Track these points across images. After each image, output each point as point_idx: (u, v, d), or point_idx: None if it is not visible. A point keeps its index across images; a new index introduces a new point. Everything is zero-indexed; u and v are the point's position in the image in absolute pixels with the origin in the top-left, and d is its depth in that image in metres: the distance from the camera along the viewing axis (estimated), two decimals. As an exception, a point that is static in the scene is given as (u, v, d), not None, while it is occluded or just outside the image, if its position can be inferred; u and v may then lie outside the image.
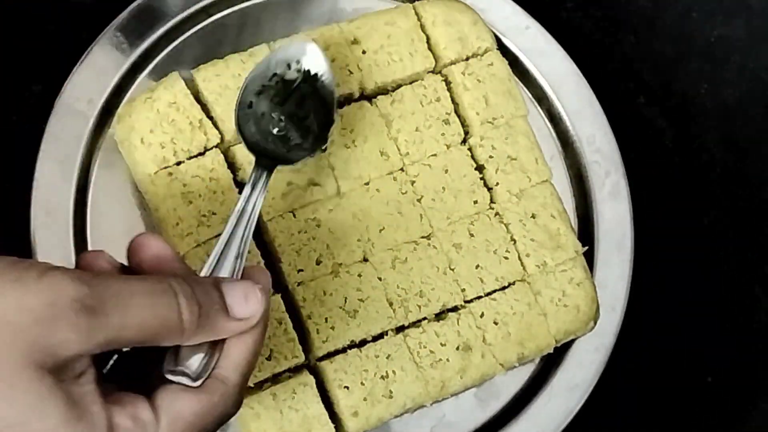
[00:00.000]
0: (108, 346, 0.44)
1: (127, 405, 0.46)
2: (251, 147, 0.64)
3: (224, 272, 0.54)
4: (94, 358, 0.45)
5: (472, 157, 0.75)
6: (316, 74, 0.66)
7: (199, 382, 0.49)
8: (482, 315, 0.72)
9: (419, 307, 0.71)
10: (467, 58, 0.76)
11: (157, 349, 0.48)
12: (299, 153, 0.65)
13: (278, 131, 0.65)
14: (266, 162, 0.63)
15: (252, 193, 0.60)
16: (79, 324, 0.43)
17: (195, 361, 0.49)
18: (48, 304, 0.42)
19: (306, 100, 0.66)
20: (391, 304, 0.71)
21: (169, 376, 0.49)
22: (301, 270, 0.70)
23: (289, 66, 0.66)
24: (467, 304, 0.72)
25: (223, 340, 0.50)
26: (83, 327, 0.43)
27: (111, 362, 0.48)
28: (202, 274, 0.54)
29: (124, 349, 0.49)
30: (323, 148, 0.66)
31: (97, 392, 0.44)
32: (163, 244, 0.51)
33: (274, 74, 0.66)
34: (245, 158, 0.71)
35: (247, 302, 0.50)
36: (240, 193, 0.70)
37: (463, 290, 0.72)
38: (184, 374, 0.49)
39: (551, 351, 0.74)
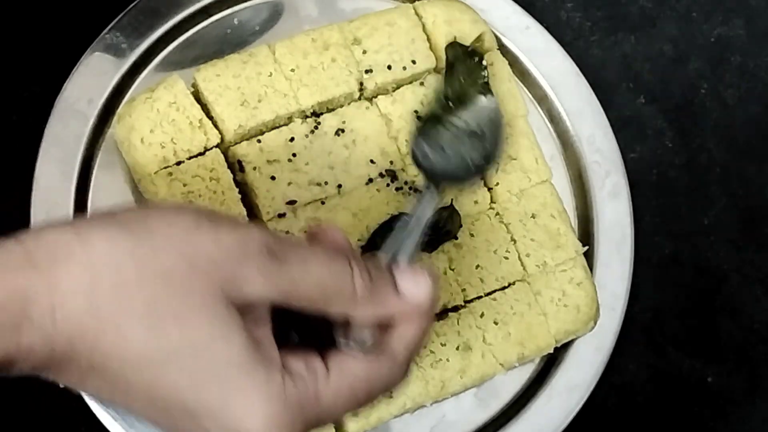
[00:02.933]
0: (288, 296, 0.46)
1: (299, 354, 0.47)
2: (421, 168, 0.61)
3: (401, 257, 0.53)
4: (272, 314, 0.46)
5: (472, 157, 0.75)
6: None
7: (369, 355, 0.49)
8: (482, 315, 0.72)
9: (419, 307, 0.71)
10: (467, 58, 0.76)
11: (325, 329, 0.49)
12: (468, 175, 0.63)
13: (450, 156, 0.62)
14: (436, 181, 0.59)
15: (424, 201, 0.57)
16: (265, 266, 0.45)
17: (366, 335, 0.49)
18: (241, 244, 0.45)
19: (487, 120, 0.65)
20: (391, 304, 0.71)
21: (341, 348, 0.49)
22: (301, 270, 0.70)
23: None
24: (467, 304, 0.72)
25: (393, 323, 0.50)
26: (269, 270, 0.45)
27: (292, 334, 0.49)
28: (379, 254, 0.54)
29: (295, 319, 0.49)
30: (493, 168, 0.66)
31: (273, 339, 0.46)
32: (340, 233, 0.52)
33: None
34: (245, 158, 0.71)
35: (416, 285, 0.50)
36: (240, 193, 0.70)
37: (463, 290, 0.72)
38: (355, 347, 0.49)
39: (551, 351, 0.74)
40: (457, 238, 0.73)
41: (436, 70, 0.76)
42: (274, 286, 0.45)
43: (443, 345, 0.71)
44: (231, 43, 0.77)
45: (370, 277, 0.49)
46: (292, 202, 0.71)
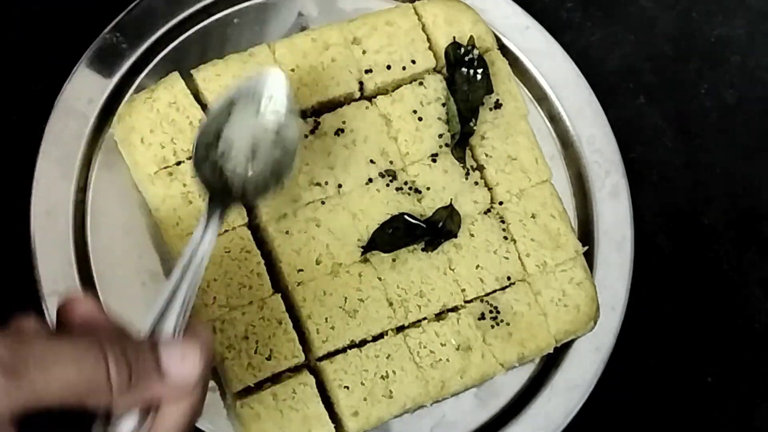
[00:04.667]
0: (32, 404, 0.43)
1: None
2: (207, 185, 0.60)
3: (168, 326, 0.51)
4: (18, 420, 0.44)
5: (473, 156, 0.75)
6: (277, 112, 0.63)
7: None
8: (482, 315, 0.72)
9: (419, 307, 0.71)
10: (467, 58, 0.76)
11: (90, 414, 0.47)
12: (257, 193, 0.62)
13: (236, 170, 0.62)
14: (221, 200, 0.59)
15: (204, 237, 0.56)
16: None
17: (126, 427, 0.48)
18: None
19: (264, 139, 0.63)
20: (391, 304, 0.71)
21: None
22: (301, 270, 0.70)
23: (253, 101, 0.63)
24: (467, 304, 0.72)
25: (158, 404, 0.49)
26: (4, 388, 0.42)
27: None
28: (144, 328, 0.51)
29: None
30: (280, 187, 0.63)
31: None
32: (92, 304, 0.49)
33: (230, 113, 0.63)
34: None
35: (183, 363, 0.48)
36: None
37: (463, 290, 0.72)
38: None
39: (551, 351, 0.74)
40: (457, 238, 0.73)
41: (435, 69, 0.76)
42: (14, 401, 0.43)
43: (443, 345, 0.71)
44: (231, 43, 0.77)
45: (128, 364, 0.46)
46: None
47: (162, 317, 0.51)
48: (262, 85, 0.63)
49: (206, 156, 0.61)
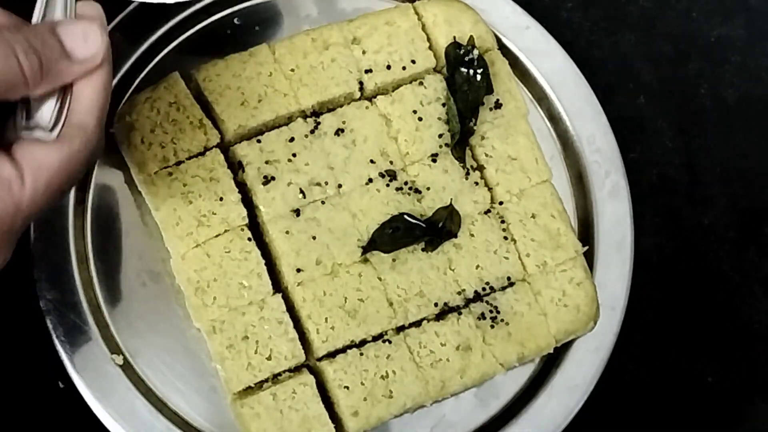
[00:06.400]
0: None
1: None
2: None
3: (57, 13, 0.51)
4: None
5: (473, 156, 0.75)
6: None
7: (55, 133, 0.48)
8: (482, 315, 0.72)
9: (419, 307, 0.71)
10: (467, 58, 0.76)
11: (6, 108, 0.47)
12: None
13: None
14: None
15: None
16: None
17: (46, 112, 0.48)
18: None
19: None
20: (391, 304, 0.71)
21: (24, 134, 0.48)
22: (301, 270, 0.70)
23: None
24: (467, 304, 0.72)
25: (72, 87, 0.49)
26: None
27: None
28: (34, 20, 0.51)
29: None
30: None
31: None
32: None
33: None
34: (245, 158, 0.71)
35: (86, 41, 0.49)
36: (240, 192, 0.70)
37: (463, 290, 0.72)
38: (39, 128, 0.48)
39: (551, 351, 0.74)
40: (457, 238, 0.73)
41: (435, 69, 0.76)
42: None
43: (443, 345, 0.71)
44: (231, 43, 0.77)
45: (37, 52, 0.47)
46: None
47: (48, 6, 0.51)
48: None
49: None
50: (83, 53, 0.49)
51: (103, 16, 0.52)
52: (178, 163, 0.70)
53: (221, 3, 0.78)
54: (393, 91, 0.75)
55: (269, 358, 0.68)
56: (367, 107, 0.74)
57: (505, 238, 0.74)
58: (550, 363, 0.76)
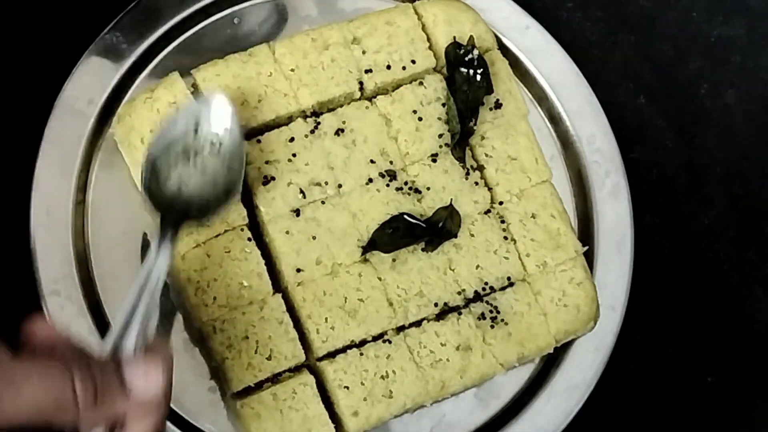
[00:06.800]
0: (2, 426, 0.44)
1: None
2: (157, 205, 0.62)
3: (128, 345, 0.52)
4: None
5: (473, 156, 0.75)
6: (216, 134, 0.65)
7: None
8: (482, 315, 0.72)
9: (419, 307, 0.71)
10: (467, 58, 0.76)
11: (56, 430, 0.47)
12: (207, 211, 0.64)
13: (184, 191, 0.64)
14: (173, 221, 0.61)
15: (158, 257, 0.58)
16: None
17: None
18: None
19: (211, 160, 0.65)
20: (391, 304, 0.71)
21: None
22: (301, 270, 0.70)
23: (196, 127, 0.65)
24: (467, 304, 0.72)
25: (124, 424, 0.49)
26: None
27: None
28: (106, 347, 0.52)
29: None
30: (230, 205, 0.66)
31: None
32: (52, 327, 0.50)
33: (178, 136, 0.64)
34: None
35: (147, 379, 0.49)
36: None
37: (463, 290, 0.72)
38: None
39: (551, 351, 0.74)
40: (457, 238, 0.73)
41: (435, 69, 0.76)
42: None
43: (443, 345, 0.71)
44: (231, 43, 0.77)
45: (93, 382, 0.47)
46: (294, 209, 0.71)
47: (122, 337, 0.52)
48: (207, 107, 0.65)
49: (156, 178, 0.63)
50: (141, 391, 0.49)
51: (170, 357, 0.52)
52: (178, 163, 0.70)
53: (221, 3, 0.78)
54: (393, 91, 0.75)
55: (269, 358, 0.68)
56: (367, 107, 0.74)
57: (505, 238, 0.74)
58: (550, 363, 0.76)
